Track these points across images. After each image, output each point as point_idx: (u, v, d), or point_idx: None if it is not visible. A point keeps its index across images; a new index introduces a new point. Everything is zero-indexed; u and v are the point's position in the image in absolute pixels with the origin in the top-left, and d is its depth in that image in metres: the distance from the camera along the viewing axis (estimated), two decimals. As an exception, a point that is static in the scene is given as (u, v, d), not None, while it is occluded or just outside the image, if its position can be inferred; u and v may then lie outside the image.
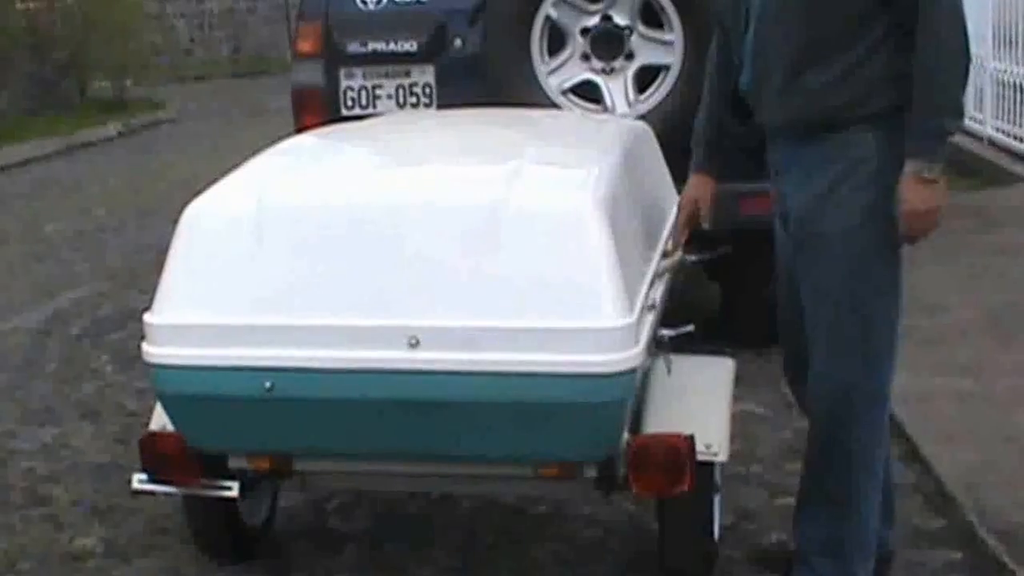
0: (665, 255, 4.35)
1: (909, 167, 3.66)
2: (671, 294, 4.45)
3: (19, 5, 22.22)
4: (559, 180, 4.07)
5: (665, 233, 4.50)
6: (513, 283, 3.58)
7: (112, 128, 19.12)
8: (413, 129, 5.24)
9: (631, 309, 3.60)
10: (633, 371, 3.57)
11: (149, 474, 4.11)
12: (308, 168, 4.29)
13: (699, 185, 4.33)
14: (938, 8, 3.62)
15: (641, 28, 6.02)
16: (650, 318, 3.85)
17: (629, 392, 3.65)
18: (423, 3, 6.44)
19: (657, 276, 4.16)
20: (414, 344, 3.57)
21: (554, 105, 6.00)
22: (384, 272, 3.67)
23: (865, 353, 3.86)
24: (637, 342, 3.60)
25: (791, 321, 4.07)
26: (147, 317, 3.82)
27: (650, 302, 3.90)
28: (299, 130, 5.90)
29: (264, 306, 3.70)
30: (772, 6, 3.78)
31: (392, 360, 3.59)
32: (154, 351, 3.80)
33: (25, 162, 16.58)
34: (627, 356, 3.54)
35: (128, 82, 22.88)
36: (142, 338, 3.85)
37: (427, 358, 3.57)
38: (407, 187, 3.99)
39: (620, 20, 6.03)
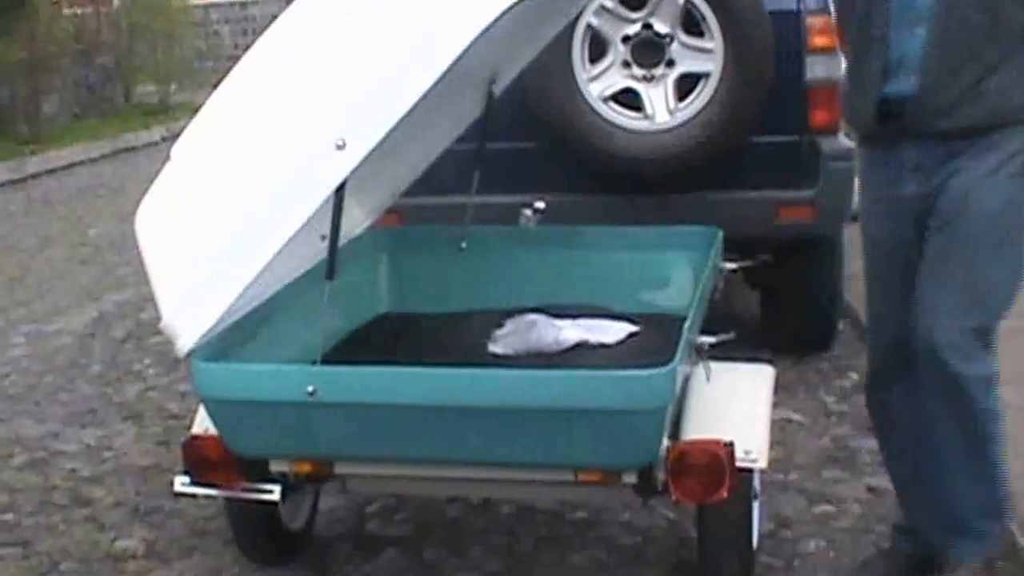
0: None
1: None
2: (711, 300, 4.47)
3: (66, 11, 22.40)
4: None
5: None
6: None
7: (156, 132, 19.25)
8: None
9: None
10: None
11: (191, 477, 4.14)
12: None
13: None
14: None
15: (682, 36, 6.02)
16: None
17: (669, 396, 3.66)
18: (464, 9, 6.45)
19: None
20: (341, 146, 3.53)
21: (596, 113, 6.01)
22: (295, 104, 3.73)
23: (987, 329, 3.89)
24: None
25: (893, 325, 4.09)
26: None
27: None
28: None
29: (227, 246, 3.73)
30: (955, 20, 3.79)
31: (326, 165, 3.55)
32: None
33: (70, 166, 16.72)
34: None
35: (172, 87, 23.03)
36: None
37: (354, 152, 3.53)
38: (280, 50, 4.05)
39: (661, 28, 6.03)
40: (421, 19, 3.57)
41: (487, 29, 3.49)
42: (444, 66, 3.49)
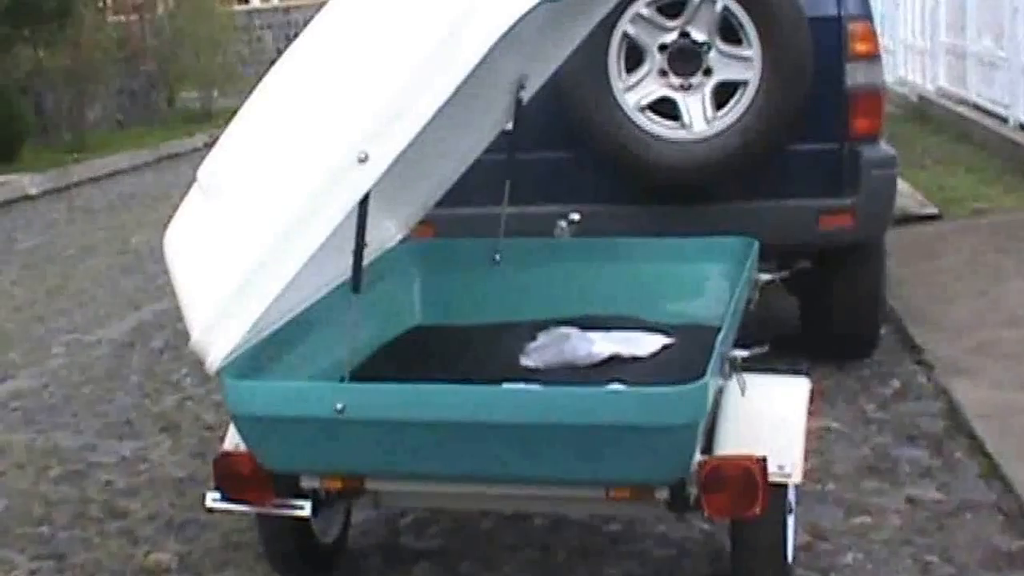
0: None
1: None
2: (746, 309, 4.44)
3: (111, 18, 22.55)
4: None
5: None
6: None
7: (199, 139, 19.32)
8: None
9: None
10: None
11: (222, 493, 4.13)
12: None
13: None
14: None
15: (719, 44, 5.98)
16: None
17: (701, 412, 3.62)
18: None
19: None
20: (363, 159, 3.50)
21: (632, 123, 5.97)
22: (317, 119, 3.72)
23: None
24: None
25: None
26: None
27: None
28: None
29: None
30: None
31: (349, 179, 3.53)
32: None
33: (114, 173, 16.81)
34: None
35: (215, 93, 23.12)
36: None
37: (377, 165, 3.50)
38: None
39: (698, 36, 5.99)
40: (440, 27, 3.53)
41: (506, 35, 3.46)
42: (464, 73, 3.47)
